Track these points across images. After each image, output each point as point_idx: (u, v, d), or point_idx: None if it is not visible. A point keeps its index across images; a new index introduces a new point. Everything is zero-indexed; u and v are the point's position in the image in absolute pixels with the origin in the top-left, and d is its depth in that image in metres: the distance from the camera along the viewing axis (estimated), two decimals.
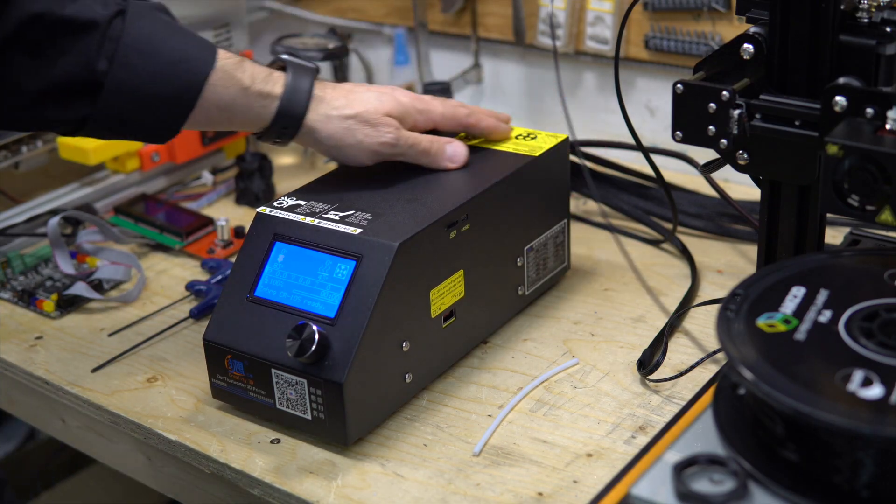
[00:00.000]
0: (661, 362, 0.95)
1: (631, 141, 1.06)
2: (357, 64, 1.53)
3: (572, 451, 0.86)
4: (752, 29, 0.87)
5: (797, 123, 0.86)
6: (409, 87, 1.47)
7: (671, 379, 0.93)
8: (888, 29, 0.83)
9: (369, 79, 1.54)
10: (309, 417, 0.87)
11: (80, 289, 1.10)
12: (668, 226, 1.18)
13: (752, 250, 1.12)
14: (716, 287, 1.08)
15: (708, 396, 0.77)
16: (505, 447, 0.87)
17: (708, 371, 0.93)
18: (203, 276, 1.16)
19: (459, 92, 1.47)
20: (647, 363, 0.95)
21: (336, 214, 0.91)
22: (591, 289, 1.09)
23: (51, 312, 1.10)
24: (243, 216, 1.29)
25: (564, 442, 0.88)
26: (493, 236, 0.97)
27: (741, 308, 0.76)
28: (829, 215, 0.98)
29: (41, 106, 0.88)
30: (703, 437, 0.74)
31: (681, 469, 0.69)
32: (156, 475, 0.97)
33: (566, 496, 0.82)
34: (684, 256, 1.14)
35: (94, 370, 1.01)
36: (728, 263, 1.13)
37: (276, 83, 0.94)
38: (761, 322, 0.74)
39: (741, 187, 1.23)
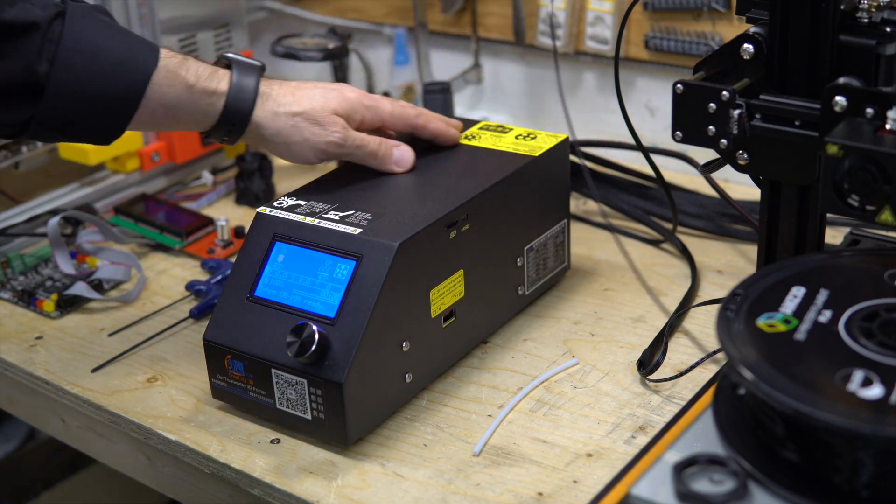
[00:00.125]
0: (661, 362, 0.95)
1: (631, 141, 1.06)
2: (357, 64, 1.53)
3: (572, 451, 0.86)
4: (752, 29, 0.87)
5: (797, 123, 0.86)
6: (409, 88, 1.47)
7: (671, 379, 0.93)
8: (888, 29, 0.83)
9: (369, 79, 1.54)
10: (309, 417, 0.87)
11: (80, 289, 1.10)
12: (668, 226, 1.18)
13: (752, 250, 1.12)
14: (716, 287, 1.08)
15: (708, 396, 0.77)
16: (505, 447, 0.87)
17: (708, 371, 0.93)
18: (203, 276, 1.16)
19: (459, 92, 1.47)
20: (647, 363, 0.95)
21: (336, 214, 0.91)
22: (591, 289, 1.09)
23: (51, 312, 1.10)
24: (243, 216, 1.29)
25: (564, 442, 0.88)
26: (493, 236, 0.97)
27: (741, 308, 0.76)
28: (829, 215, 0.98)
29: None
30: (703, 437, 0.74)
31: (681, 469, 0.69)
32: (156, 475, 0.97)
33: (566, 496, 0.82)
34: (684, 256, 1.14)
35: (94, 370, 1.01)
36: (728, 263, 1.13)
37: (220, 80, 0.94)
38: (761, 322, 0.74)
39: (741, 187, 1.23)
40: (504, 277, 1.00)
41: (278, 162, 1.40)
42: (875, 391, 0.67)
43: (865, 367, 0.69)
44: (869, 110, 0.77)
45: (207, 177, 1.36)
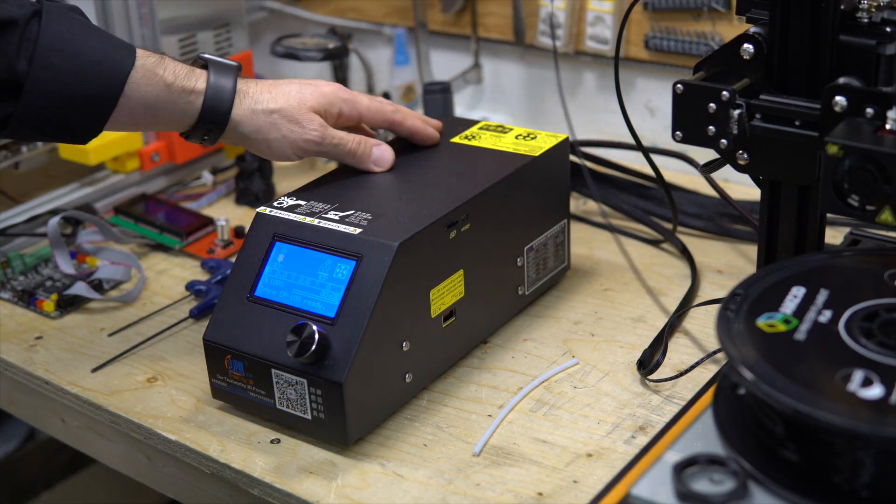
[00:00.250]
0: (661, 362, 0.95)
1: (631, 141, 1.06)
2: (357, 64, 1.53)
3: (572, 451, 0.86)
4: (752, 29, 0.87)
5: (797, 123, 0.86)
6: (409, 88, 1.47)
7: (671, 379, 0.93)
8: (888, 29, 0.83)
9: (369, 79, 1.54)
10: (309, 417, 0.87)
11: (80, 289, 1.10)
12: (668, 226, 1.18)
13: (752, 250, 1.12)
14: (716, 287, 1.08)
15: (708, 396, 0.77)
16: (505, 447, 0.87)
17: (708, 371, 0.93)
18: (203, 276, 1.16)
19: (459, 92, 1.47)
20: (647, 363, 0.95)
21: (336, 214, 0.91)
22: (591, 289, 1.09)
23: (51, 312, 1.10)
24: (243, 216, 1.29)
25: (564, 442, 0.88)
26: (493, 236, 0.97)
27: (741, 308, 0.76)
28: (829, 215, 0.98)
29: None
30: (703, 437, 0.74)
31: (681, 469, 0.70)
32: (156, 475, 0.97)
33: (566, 496, 0.82)
34: (684, 256, 1.14)
35: (94, 370, 1.01)
36: (728, 263, 1.13)
37: (198, 79, 0.94)
38: (761, 322, 0.74)
39: (741, 187, 1.23)
40: (504, 277, 1.00)
41: (278, 162, 1.40)
42: (875, 391, 0.67)
43: (865, 367, 0.69)
44: (869, 110, 0.77)
45: (207, 177, 1.36)
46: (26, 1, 0.89)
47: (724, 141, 0.88)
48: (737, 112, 0.87)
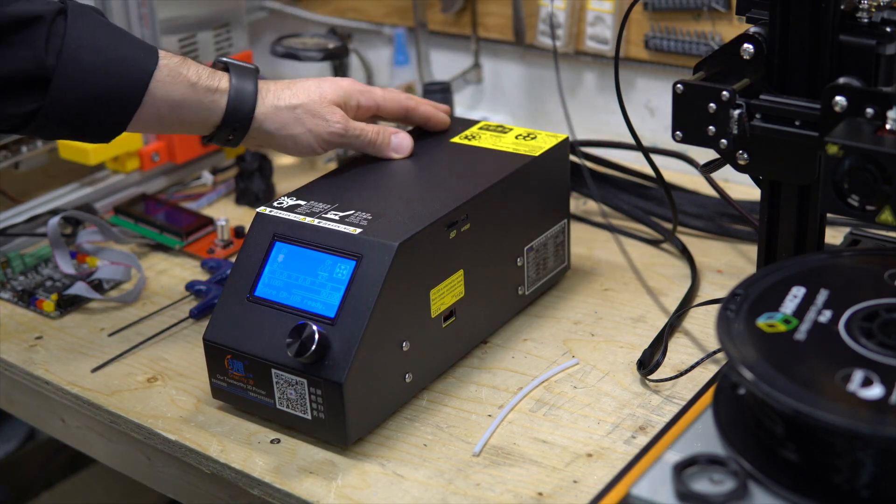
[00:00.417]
0: (661, 362, 0.95)
1: (631, 141, 1.06)
2: (357, 64, 1.53)
3: (572, 451, 0.86)
4: (752, 29, 0.87)
5: (797, 123, 0.86)
6: (409, 88, 1.47)
7: (671, 379, 0.93)
8: (888, 29, 0.83)
9: (369, 79, 1.54)
10: (309, 417, 0.87)
11: (80, 289, 1.10)
12: (668, 226, 1.18)
13: (752, 250, 1.12)
14: (716, 287, 1.08)
15: (708, 396, 0.77)
16: (505, 447, 0.87)
17: (708, 371, 0.93)
18: (203, 276, 1.16)
19: (459, 92, 1.47)
20: (647, 363, 0.95)
21: (336, 214, 0.91)
22: (591, 289, 1.09)
23: (51, 312, 1.10)
24: (243, 216, 1.29)
25: (564, 442, 0.88)
26: (493, 236, 0.97)
27: (741, 308, 0.76)
28: (829, 215, 0.98)
29: None
30: (703, 437, 0.74)
31: (681, 469, 0.70)
32: (156, 475, 0.97)
33: (566, 496, 0.82)
34: (684, 256, 1.14)
35: (94, 370, 1.01)
36: (728, 263, 1.13)
37: (221, 79, 0.96)
38: (761, 322, 0.74)
39: (741, 187, 1.23)
40: (504, 277, 1.00)
41: (278, 162, 1.40)
42: (875, 391, 0.67)
43: (865, 367, 0.69)
44: (869, 110, 0.77)
45: (207, 177, 1.36)
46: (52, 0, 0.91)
47: (724, 141, 0.88)
48: (737, 112, 0.87)
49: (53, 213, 1.22)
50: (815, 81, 0.85)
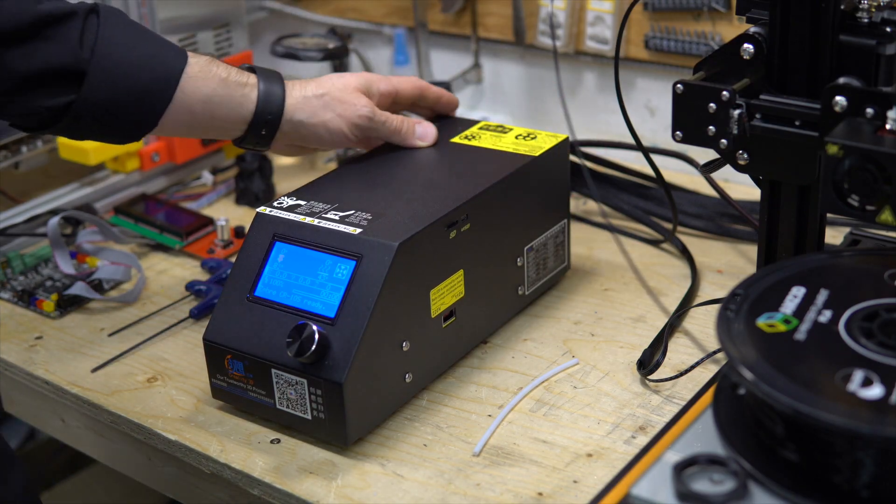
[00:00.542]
0: (661, 362, 0.95)
1: (631, 141, 1.06)
2: (357, 64, 1.53)
3: (572, 451, 0.86)
4: (752, 29, 0.87)
5: (797, 123, 0.86)
6: None
7: (671, 379, 0.93)
8: (888, 29, 0.83)
9: None
10: (309, 417, 0.87)
11: (80, 289, 1.10)
12: (668, 226, 1.18)
13: (752, 250, 1.12)
14: (716, 287, 1.08)
15: (708, 396, 0.77)
16: (505, 447, 0.87)
17: (708, 371, 0.93)
18: (203, 276, 1.16)
19: (459, 92, 1.47)
20: (647, 363, 0.95)
21: (336, 214, 0.91)
22: (591, 289, 1.09)
23: (51, 312, 1.10)
24: (243, 216, 1.29)
25: (564, 442, 0.88)
26: (493, 236, 0.97)
27: (741, 308, 0.76)
28: (829, 215, 0.98)
29: (30, 91, 0.90)
30: (703, 437, 0.74)
31: (681, 469, 0.69)
32: (156, 475, 0.97)
33: (566, 496, 0.82)
34: (684, 256, 1.14)
35: (94, 370, 1.01)
36: (728, 263, 1.13)
37: (249, 76, 0.98)
38: (761, 322, 0.74)
39: (741, 187, 1.23)
40: (504, 277, 1.00)
41: (278, 162, 1.40)
42: (875, 391, 0.67)
43: (865, 367, 0.69)
44: (869, 110, 0.77)
45: (207, 177, 1.36)
46: None
47: (724, 141, 0.88)
48: (737, 112, 0.87)
49: (53, 213, 1.22)
50: (815, 81, 0.85)
